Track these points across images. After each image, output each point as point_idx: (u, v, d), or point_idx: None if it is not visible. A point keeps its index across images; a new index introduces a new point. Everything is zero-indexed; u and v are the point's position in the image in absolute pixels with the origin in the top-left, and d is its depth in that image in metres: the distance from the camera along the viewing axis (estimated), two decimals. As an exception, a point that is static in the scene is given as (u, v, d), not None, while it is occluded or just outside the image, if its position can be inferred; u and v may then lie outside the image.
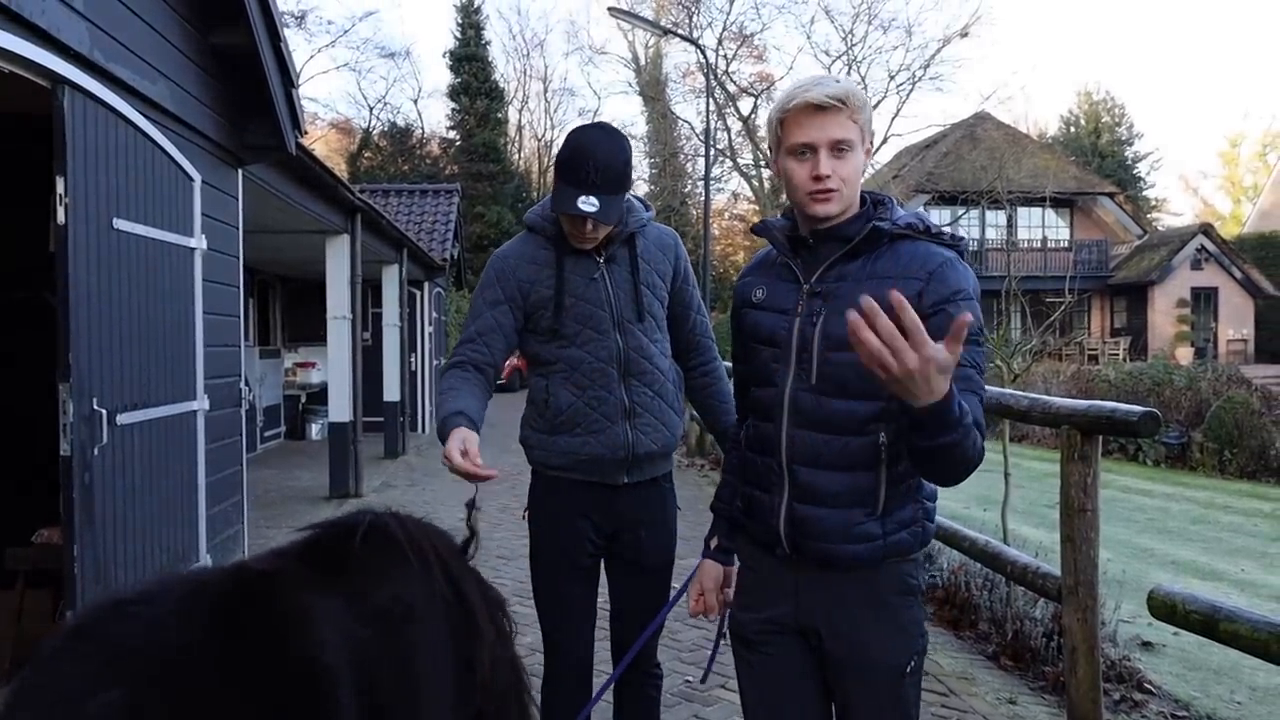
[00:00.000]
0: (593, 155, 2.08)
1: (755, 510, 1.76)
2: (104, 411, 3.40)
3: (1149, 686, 3.69)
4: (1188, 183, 47.42)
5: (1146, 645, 4.28)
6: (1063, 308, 7.96)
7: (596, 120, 3.08)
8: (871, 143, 1.68)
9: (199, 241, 4.44)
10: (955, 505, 7.87)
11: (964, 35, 25.88)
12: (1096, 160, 36.48)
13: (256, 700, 1.28)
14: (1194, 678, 3.93)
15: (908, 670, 1.68)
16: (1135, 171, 39.20)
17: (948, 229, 1.72)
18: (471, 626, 1.80)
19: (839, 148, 1.61)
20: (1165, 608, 2.24)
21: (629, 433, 2.23)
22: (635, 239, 2.25)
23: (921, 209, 26.63)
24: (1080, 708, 2.98)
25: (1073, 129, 40.15)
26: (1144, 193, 39.35)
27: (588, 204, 2.08)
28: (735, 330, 1.86)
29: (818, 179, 1.61)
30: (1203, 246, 26.64)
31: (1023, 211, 27.50)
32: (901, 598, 1.69)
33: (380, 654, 1.48)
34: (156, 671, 1.21)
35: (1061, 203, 27.83)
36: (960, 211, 26.15)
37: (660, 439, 2.29)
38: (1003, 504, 4.34)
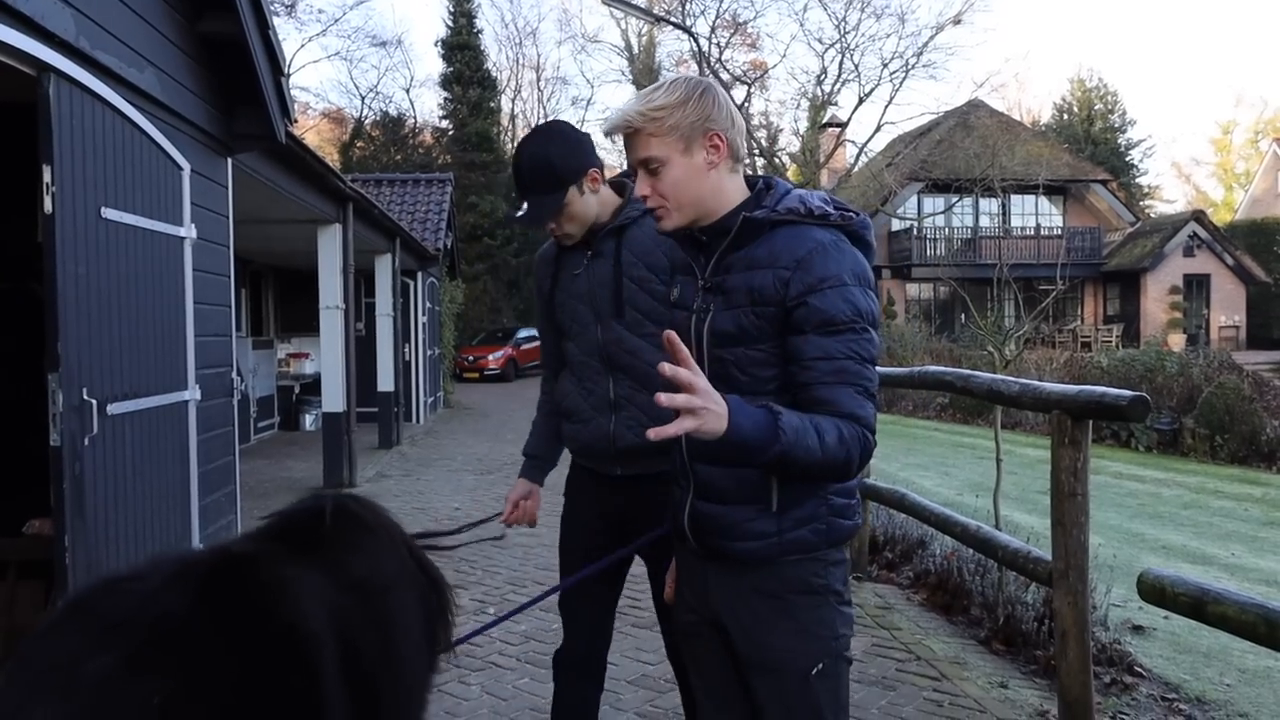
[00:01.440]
0: (519, 160, 2.18)
1: (673, 504, 1.79)
2: (94, 401, 3.39)
3: (1139, 669, 3.71)
4: (1180, 170, 47.37)
5: (1137, 629, 4.30)
6: (1054, 294, 7.97)
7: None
8: (713, 139, 1.59)
9: (188, 231, 4.42)
10: (948, 492, 7.90)
11: (957, 22, 25.86)
12: (1089, 147, 36.48)
13: (244, 662, 1.30)
14: (1184, 661, 3.96)
15: (813, 673, 1.63)
16: (1128, 159, 39.22)
17: (843, 209, 1.65)
18: (439, 598, 1.85)
19: (647, 166, 1.61)
20: (1155, 591, 2.26)
21: (612, 425, 2.27)
22: (625, 231, 2.24)
23: (913, 197, 26.72)
24: (1071, 691, 3.00)
25: (1065, 116, 40.13)
26: (1137, 180, 39.40)
27: (520, 210, 2.22)
28: None
29: (641, 199, 1.65)
30: (1195, 233, 26.72)
31: (1016, 199, 27.54)
32: (805, 597, 1.64)
33: (361, 621, 1.53)
34: (148, 637, 1.23)
35: (1054, 190, 27.86)
36: (954, 199, 26.16)
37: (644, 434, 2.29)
38: (994, 490, 4.36)
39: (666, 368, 1.35)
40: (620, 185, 2.29)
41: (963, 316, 24.80)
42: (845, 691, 1.71)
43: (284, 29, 30.15)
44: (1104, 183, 29.02)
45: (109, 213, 3.58)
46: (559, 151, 2.15)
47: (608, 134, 1.64)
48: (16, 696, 1.18)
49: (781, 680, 1.64)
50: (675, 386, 1.37)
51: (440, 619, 1.85)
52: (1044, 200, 27.97)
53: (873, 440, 1.56)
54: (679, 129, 1.58)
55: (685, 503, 1.71)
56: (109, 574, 1.42)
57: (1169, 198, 44.64)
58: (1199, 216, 27.62)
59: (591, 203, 2.21)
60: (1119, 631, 4.15)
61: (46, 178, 3.18)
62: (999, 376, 3.76)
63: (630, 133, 1.61)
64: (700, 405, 1.36)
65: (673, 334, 1.40)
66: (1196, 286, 26.94)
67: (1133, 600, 4.24)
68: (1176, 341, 23.97)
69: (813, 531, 1.62)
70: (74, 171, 3.32)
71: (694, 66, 23.02)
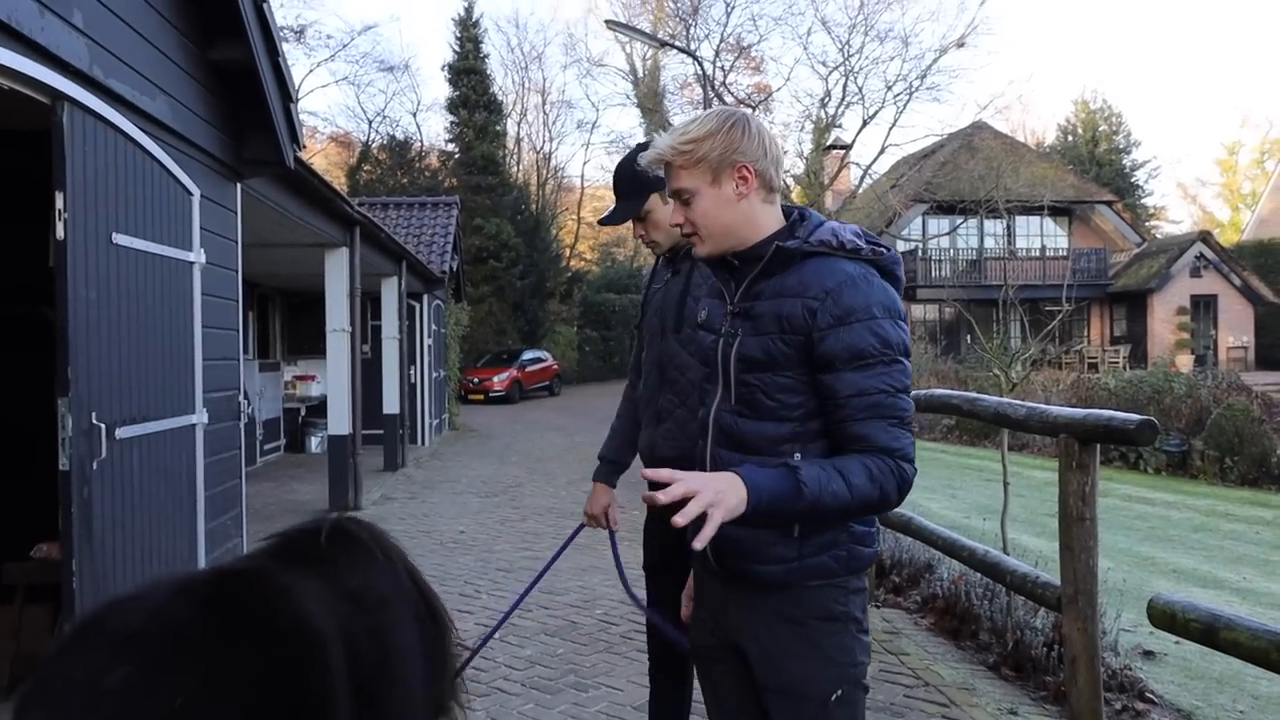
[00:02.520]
0: (615, 171, 2.43)
1: (692, 525, 1.80)
2: (103, 425, 3.40)
3: (1150, 696, 3.68)
4: (1186, 190, 47.60)
5: (1148, 654, 4.26)
6: (1060, 316, 7.96)
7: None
8: (742, 171, 1.63)
9: (198, 256, 4.45)
10: (955, 515, 7.86)
11: (960, 45, 25.99)
12: (1094, 169, 36.57)
13: (256, 661, 1.32)
14: (1196, 687, 3.92)
15: (833, 699, 1.64)
16: (1133, 180, 39.30)
17: (874, 243, 1.69)
18: (436, 621, 1.87)
19: (680, 197, 1.68)
20: (1165, 616, 2.24)
21: (653, 434, 2.43)
22: None
23: (917, 219, 26.78)
24: (1082, 717, 2.97)
25: (1070, 138, 40.27)
26: (1142, 201, 39.44)
27: (606, 213, 2.46)
28: None
29: (677, 226, 1.73)
30: (1202, 254, 26.69)
31: (1021, 220, 27.57)
32: (825, 623, 1.65)
33: (361, 630, 1.54)
34: (160, 645, 1.26)
35: (1060, 211, 27.89)
36: (959, 221, 26.20)
37: (678, 447, 2.38)
38: (1002, 513, 4.34)
39: (660, 494, 1.42)
40: None
41: (968, 338, 24.76)
42: (862, 718, 1.72)
43: (292, 55, 30.50)
44: (1109, 204, 29.05)
45: (120, 238, 3.61)
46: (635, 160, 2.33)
47: (647, 167, 1.72)
48: (42, 716, 1.20)
49: (800, 706, 1.64)
50: (677, 504, 1.42)
51: (437, 646, 1.85)
52: (1049, 221, 28.00)
53: (910, 470, 1.58)
54: (707, 161, 1.62)
55: None
56: (113, 596, 1.45)
57: (1175, 218, 44.74)
58: (1205, 237, 27.60)
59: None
60: (1129, 657, 4.10)
61: (59, 204, 3.22)
62: (1006, 400, 3.75)
63: (666, 166, 1.68)
64: (710, 499, 1.41)
65: (648, 471, 1.51)
66: (1204, 307, 26.88)
67: (1143, 625, 4.20)
68: (1184, 362, 23.88)
69: (833, 558, 1.64)
70: (86, 198, 3.36)
71: (698, 90, 23.18)
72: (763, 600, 1.67)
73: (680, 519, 1.39)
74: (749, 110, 1.72)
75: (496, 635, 4.61)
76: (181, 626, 1.32)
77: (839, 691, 1.65)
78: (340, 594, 1.58)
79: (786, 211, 1.73)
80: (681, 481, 1.42)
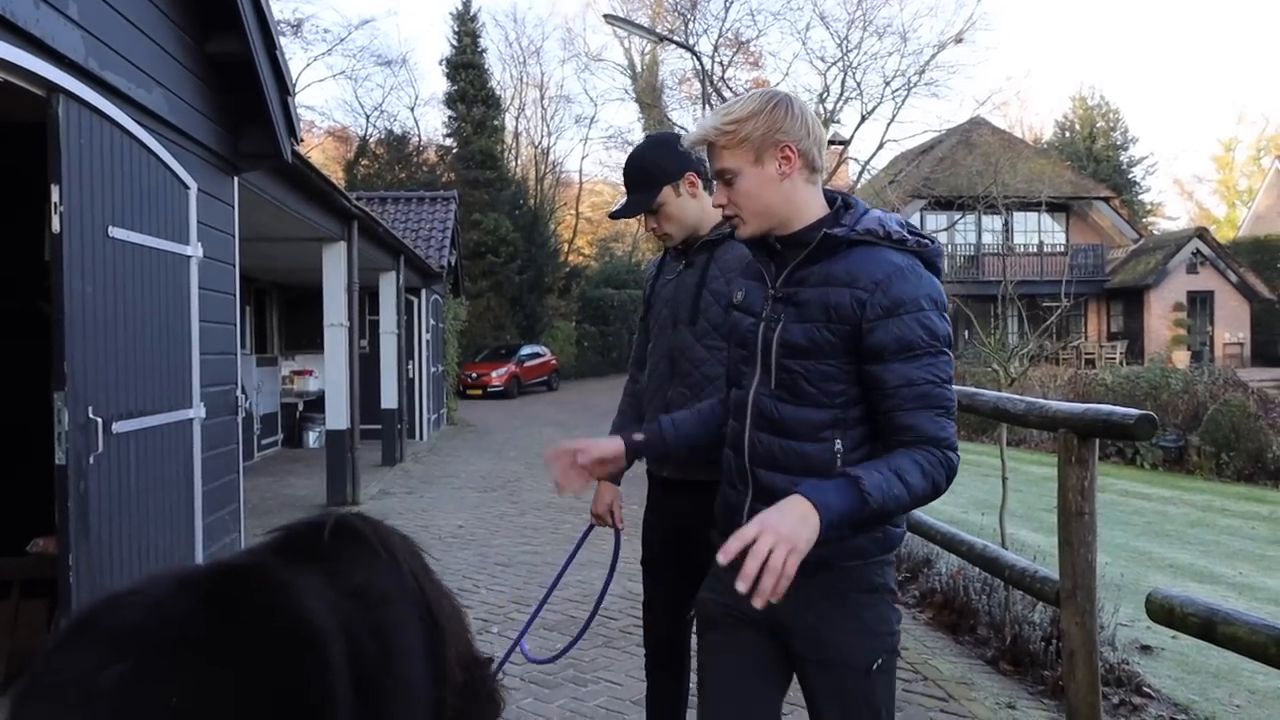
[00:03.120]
0: (626, 164, 2.41)
1: (726, 506, 1.80)
2: (99, 420, 3.39)
3: (1148, 690, 3.68)
4: (1182, 187, 47.56)
5: (1145, 649, 4.27)
6: (1058, 312, 7.97)
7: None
8: (785, 150, 1.63)
9: (195, 249, 4.44)
10: (953, 510, 7.87)
11: (958, 41, 25.94)
12: (1091, 165, 36.57)
13: (255, 658, 1.31)
14: (1193, 681, 3.93)
15: (874, 667, 1.68)
16: (1130, 176, 39.31)
17: (918, 235, 1.69)
18: (435, 621, 1.86)
19: (723, 177, 1.68)
20: (1163, 611, 2.24)
21: None
22: (718, 246, 2.37)
23: (915, 214, 26.78)
24: (1079, 712, 2.97)
25: (1068, 134, 40.25)
26: (1139, 197, 39.46)
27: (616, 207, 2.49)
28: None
29: (719, 207, 1.72)
30: (1198, 250, 26.72)
31: (1019, 216, 27.58)
32: (866, 595, 1.69)
33: (362, 627, 1.53)
34: (157, 643, 1.24)
35: (1057, 207, 27.90)
36: (956, 216, 26.20)
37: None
38: (1000, 508, 4.34)
39: (721, 557, 1.41)
40: None
41: (966, 334, 24.80)
42: (894, 685, 1.77)
43: (290, 48, 30.41)
44: (1106, 200, 29.06)
45: (116, 232, 3.60)
46: (655, 153, 2.35)
47: (690, 148, 1.73)
48: (37, 712, 1.19)
49: (844, 676, 1.68)
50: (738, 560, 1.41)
51: (440, 650, 1.84)
52: (1047, 217, 28.01)
53: (956, 459, 1.60)
54: (750, 140, 1.63)
55: (744, 505, 1.72)
56: (110, 591, 1.44)
57: (1172, 215, 44.73)
58: (1202, 233, 27.63)
59: (690, 207, 2.36)
60: (1127, 651, 4.11)
61: (54, 197, 3.20)
62: (1004, 395, 3.75)
63: (709, 146, 1.68)
64: (772, 540, 1.39)
65: (731, 550, 1.42)
66: (1200, 303, 26.91)
67: (1140, 620, 4.21)
68: (1181, 358, 23.91)
69: (870, 540, 1.67)
70: (82, 191, 3.34)
71: (697, 85, 23.15)
72: (805, 581, 1.66)
73: (768, 580, 1.38)
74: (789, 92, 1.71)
75: (495, 631, 4.63)
76: (179, 623, 1.31)
77: (879, 660, 1.69)
78: (342, 591, 1.57)
79: (830, 198, 1.73)
80: (753, 523, 1.42)
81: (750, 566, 1.37)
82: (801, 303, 1.65)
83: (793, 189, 1.66)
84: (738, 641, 1.77)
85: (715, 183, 1.71)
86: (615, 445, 1.89)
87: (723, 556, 1.40)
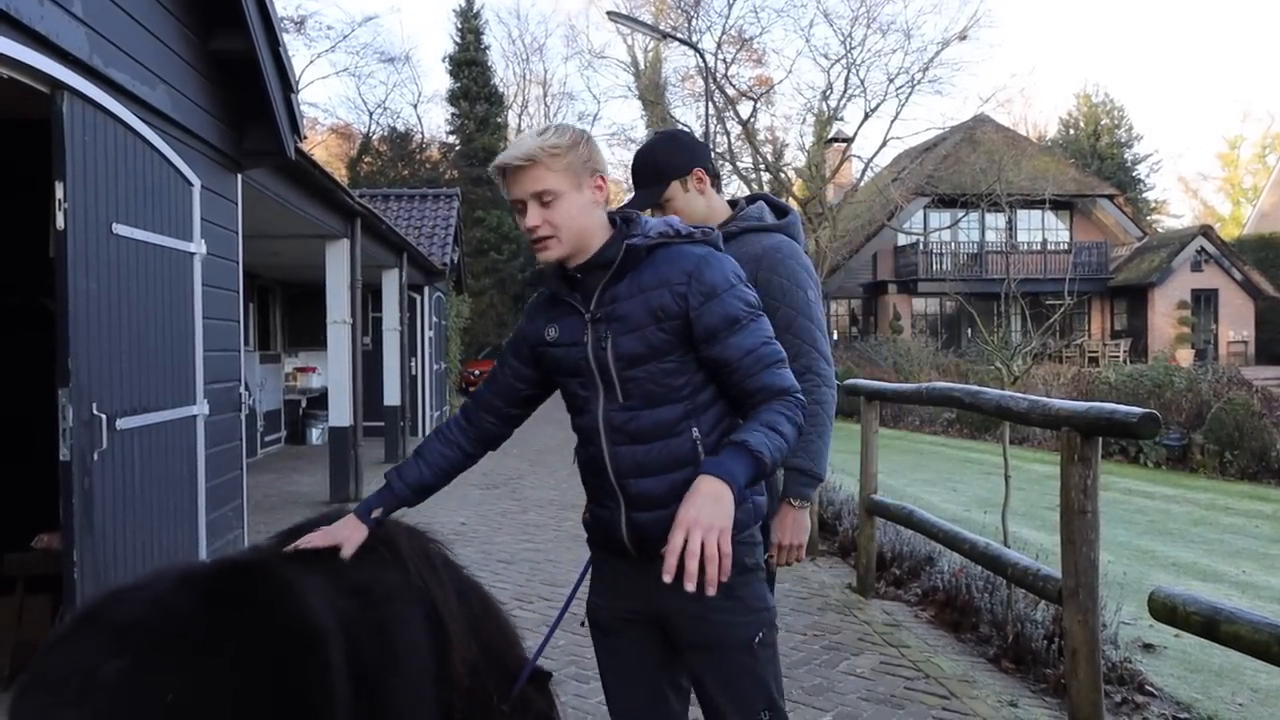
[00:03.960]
0: (634, 160, 2.43)
1: (601, 525, 1.88)
2: (103, 416, 3.40)
3: (1150, 688, 3.68)
4: (1187, 185, 47.52)
5: (1148, 647, 4.27)
6: (1062, 310, 7.96)
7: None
8: (598, 180, 1.77)
9: (198, 246, 4.45)
10: (955, 508, 7.87)
11: (963, 38, 25.83)
12: (1096, 162, 36.49)
13: (254, 656, 1.32)
14: (1195, 679, 3.92)
15: (755, 641, 1.82)
16: (1135, 174, 39.21)
17: (700, 227, 1.83)
18: (441, 622, 1.85)
19: (542, 199, 1.72)
20: (1166, 609, 2.24)
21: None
22: (724, 243, 2.39)
23: (919, 212, 26.74)
24: (1081, 710, 2.98)
25: (1072, 131, 40.15)
26: (1143, 195, 39.36)
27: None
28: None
29: (530, 230, 1.75)
30: (1203, 248, 26.64)
31: (1022, 214, 27.51)
32: (741, 576, 1.79)
33: (363, 625, 1.54)
34: (159, 638, 1.25)
35: (1061, 205, 27.84)
36: (960, 214, 26.16)
37: None
38: (1003, 506, 4.34)
39: (667, 561, 1.51)
40: (734, 201, 2.47)
41: (969, 331, 24.75)
42: (778, 658, 1.91)
43: (293, 45, 30.40)
44: (1110, 198, 28.99)
45: (120, 228, 3.60)
46: (665, 148, 2.37)
47: (518, 159, 1.72)
48: (37, 705, 1.20)
49: (727, 654, 1.81)
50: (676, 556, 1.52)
51: (446, 649, 1.84)
52: (1050, 215, 27.95)
53: (803, 398, 1.76)
54: (574, 166, 1.73)
55: (620, 519, 1.82)
56: (115, 585, 1.44)
57: (1176, 212, 44.64)
58: (1206, 231, 27.54)
59: (698, 202, 2.37)
60: (1129, 650, 4.11)
61: (59, 194, 3.21)
62: (1007, 393, 3.75)
63: (525, 167, 1.71)
64: (700, 534, 1.50)
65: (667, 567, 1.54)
66: (1205, 301, 26.85)
67: (1143, 618, 4.21)
68: (1185, 357, 23.87)
69: (743, 512, 1.73)
70: (86, 188, 3.35)
71: (700, 82, 23.13)
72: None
73: (711, 569, 1.50)
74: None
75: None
76: (181, 619, 1.31)
77: (760, 634, 1.82)
78: (343, 590, 1.57)
79: (610, 218, 1.84)
80: (677, 527, 1.52)
81: (691, 567, 1.48)
82: (623, 315, 1.75)
83: (599, 216, 1.79)
84: (629, 640, 1.90)
85: (527, 205, 1.73)
86: (353, 528, 1.86)
87: (666, 576, 1.50)
